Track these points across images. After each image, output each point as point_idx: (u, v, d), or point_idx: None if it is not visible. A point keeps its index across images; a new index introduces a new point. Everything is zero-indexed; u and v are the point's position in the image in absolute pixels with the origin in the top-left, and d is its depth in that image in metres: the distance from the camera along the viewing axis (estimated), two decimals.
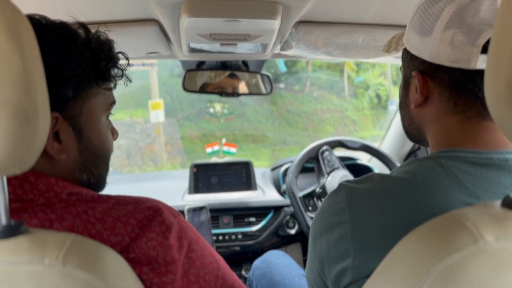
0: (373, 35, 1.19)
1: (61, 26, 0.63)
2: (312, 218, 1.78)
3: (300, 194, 1.80)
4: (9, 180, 0.57)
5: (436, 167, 0.61)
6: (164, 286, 0.57)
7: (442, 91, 0.65)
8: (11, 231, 0.46)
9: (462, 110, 0.64)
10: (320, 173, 1.83)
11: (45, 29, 0.60)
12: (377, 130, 11.77)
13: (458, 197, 0.57)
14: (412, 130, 0.75)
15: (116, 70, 0.70)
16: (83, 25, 0.66)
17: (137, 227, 0.58)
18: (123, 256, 0.54)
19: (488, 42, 0.58)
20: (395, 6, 1.03)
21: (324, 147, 1.84)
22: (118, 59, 0.70)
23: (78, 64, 0.62)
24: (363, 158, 2.23)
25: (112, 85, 0.70)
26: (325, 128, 11.54)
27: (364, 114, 12.36)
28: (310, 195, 1.84)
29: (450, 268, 0.43)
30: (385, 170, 2.02)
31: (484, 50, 0.59)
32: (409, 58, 0.70)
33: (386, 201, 0.60)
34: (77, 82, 0.62)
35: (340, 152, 2.15)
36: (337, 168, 1.82)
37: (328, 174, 1.79)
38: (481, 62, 0.59)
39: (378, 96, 12.55)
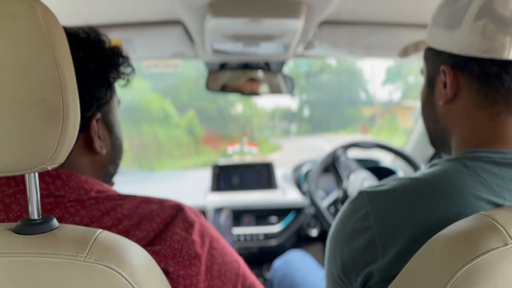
0: (398, 34, 1.18)
1: (91, 33, 0.68)
2: None
3: (324, 204, 1.76)
4: (43, 176, 0.59)
5: (460, 168, 0.60)
6: (189, 278, 0.59)
7: (471, 84, 0.64)
8: (42, 226, 0.47)
9: (492, 104, 0.63)
10: (338, 179, 1.80)
11: (80, 38, 0.66)
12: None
13: (484, 196, 0.56)
14: (436, 130, 0.73)
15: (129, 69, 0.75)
16: (94, 30, 0.70)
17: (162, 224, 0.59)
18: (149, 249, 0.56)
19: None
20: (420, 5, 1.02)
21: (339, 152, 1.80)
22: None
23: (114, 68, 0.68)
24: (386, 160, 2.20)
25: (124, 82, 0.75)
26: None
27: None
28: (334, 203, 1.81)
29: (478, 270, 0.42)
30: (409, 171, 1.99)
31: None
32: (434, 55, 0.69)
33: (411, 202, 0.59)
34: (112, 84, 0.69)
35: (362, 154, 2.13)
36: (354, 170, 1.79)
37: (348, 177, 1.76)
38: None
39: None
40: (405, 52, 0.80)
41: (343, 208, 0.69)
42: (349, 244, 0.64)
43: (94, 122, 0.66)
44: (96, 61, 0.65)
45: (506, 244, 0.42)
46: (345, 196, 1.73)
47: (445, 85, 0.67)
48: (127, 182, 2.23)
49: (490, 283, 0.42)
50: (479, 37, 0.60)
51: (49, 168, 0.46)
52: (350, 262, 0.64)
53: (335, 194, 1.80)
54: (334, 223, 0.70)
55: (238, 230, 1.83)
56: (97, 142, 0.67)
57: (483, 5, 0.60)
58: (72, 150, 0.63)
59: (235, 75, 1.65)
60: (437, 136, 0.74)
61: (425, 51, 0.73)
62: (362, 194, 0.65)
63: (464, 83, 0.65)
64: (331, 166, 1.82)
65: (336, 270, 0.68)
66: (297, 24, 0.99)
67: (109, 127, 0.70)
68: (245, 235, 1.83)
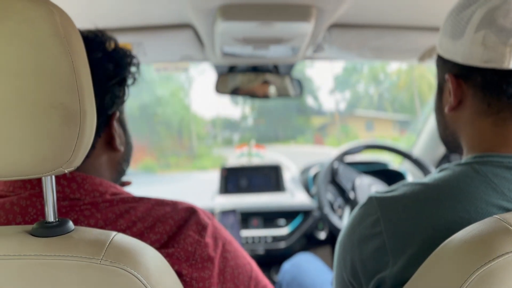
0: (407, 37, 1.17)
1: (101, 35, 0.70)
2: None
3: (340, 224, 1.72)
4: (58, 179, 0.59)
5: (471, 172, 0.60)
6: (202, 280, 0.59)
7: (475, 92, 0.65)
8: (58, 229, 0.48)
9: (496, 112, 0.63)
10: (343, 191, 1.78)
11: (96, 40, 0.68)
12: None
13: (495, 202, 0.56)
14: (446, 136, 0.74)
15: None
16: (102, 32, 0.72)
17: (175, 226, 0.60)
18: (162, 252, 0.56)
19: None
20: (429, 8, 1.02)
21: (335, 165, 1.78)
22: None
23: (127, 67, 0.70)
24: (394, 163, 2.19)
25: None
26: None
27: None
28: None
29: (492, 274, 0.42)
30: (417, 173, 1.98)
31: None
32: (442, 63, 0.70)
33: (421, 208, 0.59)
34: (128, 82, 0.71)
35: (370, 157, 2.12)
36: (356, 178, 1.77)
37: (352, 188, 1.75)
38: None
39: None
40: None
41: (353, 213, 0.69)
42: (359, 250, 0.64)
43: (114, 121, 0.68)
44: (113, 61, 0.67)
45: None
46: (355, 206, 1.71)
47: (450, 93, 0.67)
48: (135, 184, 2.23)
49: (504, 287, 0.41)
50: (481, 48, 0.61)
51: (66, 171, 0.47)
52: (360, 268, 0.64)
53: (347, 210, 1.79)
54: (344, 228, 0.70)
55: (246, 233, 1.83)
56: (117, 140, 0.69)
57: (484, 16, 0.60)
58: (95, 148, 0.65)
59: (248, 78, 1.65)
60: (448, 141, 0.75)
61: (436, 58, 0.73)
62: (372, 199, 0.65)
63: (468, 91, 0.66)
64: (333, 180, 1.81)
65: (346, 275, 0.68)
66: (307, 27, 0.99)
67: (123, 124, 0.73)
68: (253, 238, 1.83)
